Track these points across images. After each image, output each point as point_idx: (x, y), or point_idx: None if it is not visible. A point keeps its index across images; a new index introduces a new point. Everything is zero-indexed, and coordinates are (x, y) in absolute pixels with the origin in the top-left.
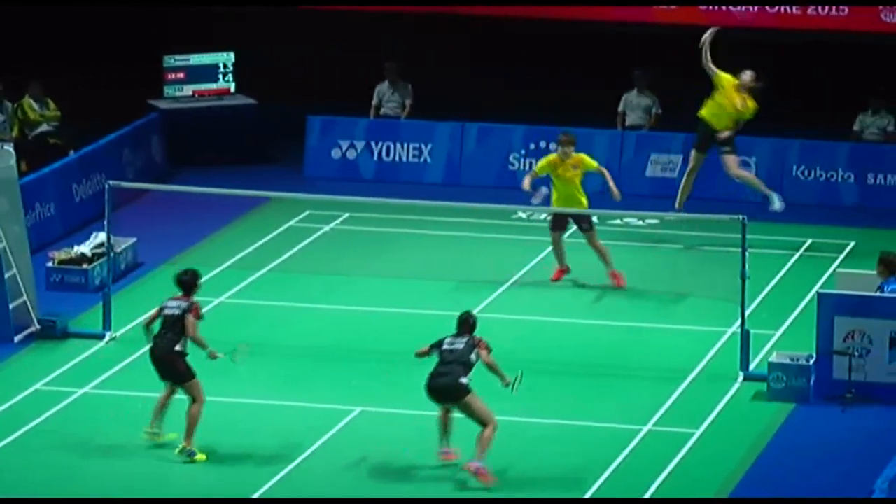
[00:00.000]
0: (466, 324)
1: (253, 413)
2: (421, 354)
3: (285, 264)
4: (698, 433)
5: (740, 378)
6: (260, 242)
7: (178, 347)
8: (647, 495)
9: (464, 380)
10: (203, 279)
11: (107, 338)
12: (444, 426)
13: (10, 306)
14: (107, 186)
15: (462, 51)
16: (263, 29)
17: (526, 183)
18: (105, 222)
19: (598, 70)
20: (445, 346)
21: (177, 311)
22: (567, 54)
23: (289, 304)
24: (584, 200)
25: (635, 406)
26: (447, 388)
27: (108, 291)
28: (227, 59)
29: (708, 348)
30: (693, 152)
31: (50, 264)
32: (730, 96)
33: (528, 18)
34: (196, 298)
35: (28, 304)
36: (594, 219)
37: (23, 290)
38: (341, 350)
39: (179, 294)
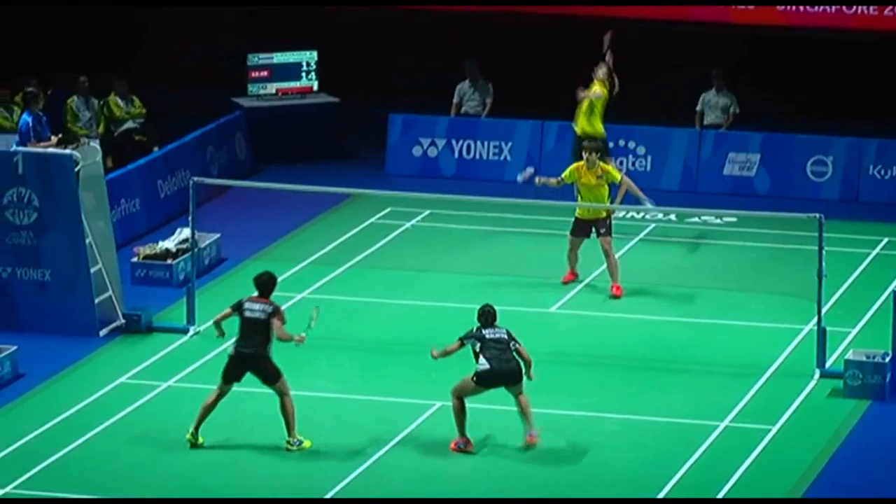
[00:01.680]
0: (494, 316)
1: (331, 407)
2: (448, 351)
3: (366, 260)
4: (774, 430)
5: (817, 375)
6: (341, 239)
7: (268, 350)
8: (721, 493)
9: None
10: (284, 275)
11: (191, 332)
12: (463, 414)
13: (96, 301)
14: (191, 183)
15: (542, 48)
16: (346, 27)
17: (538, 180)
18: (189, 218)
19: (676, 69)
20: (489, 336)
21: (261, 316)
22: (646, 52)
23: (369, 300)
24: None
25: (711, 402)
26: (517, 372)
27: (192, 286)
28: (310, 57)
29: (785, 345)
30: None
31: (135, 259)
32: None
33: (608, 17)
34: (273, 299)
35: (113, 298)
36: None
37: (108, 284)
38: (420, 345)
39: (256, 295)
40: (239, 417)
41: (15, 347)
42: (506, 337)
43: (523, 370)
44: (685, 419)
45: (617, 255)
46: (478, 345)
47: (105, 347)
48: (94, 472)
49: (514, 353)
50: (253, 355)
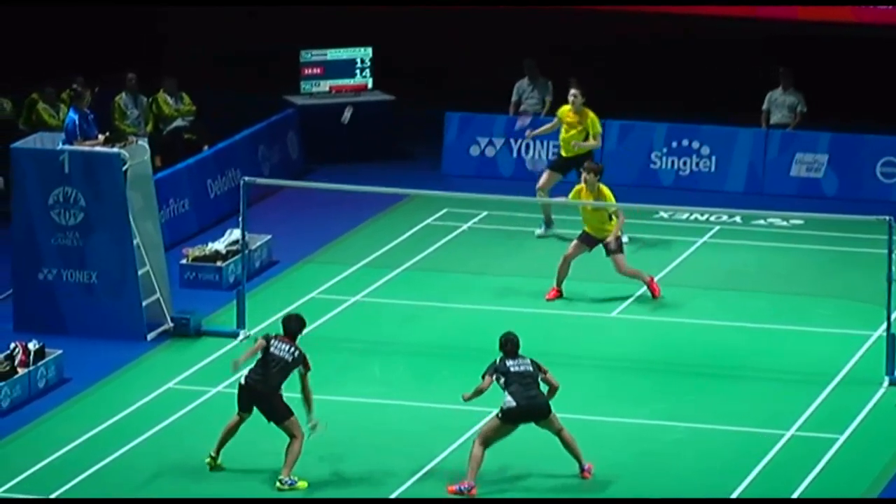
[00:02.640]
0: (517, 345)
1: (385, 414)
2: (481, 390)
3: (422, 262)
4: (842, 439)
5: (886, 383)
6: (396, 241)
7: (281, 389)
8: None
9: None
10: (337, 278)
11: (241, 336)
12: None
13: (144, 304)
14: (242, 182)
15: (604, 47)
16: (402, 23)
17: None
18: (240, 219)
19: (742, 67)
20: (514, 369)
21: (287, 357)
22: (711, 51)
23: (424, 304)
24: (610, 227)
25: (777, 410)
26: (545, 407)
27: (242, 289)
28: (364, 54)
29: (853, 352)
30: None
31: (184, 261)
32: (567, 118)
33: (671, 14)
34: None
35: (161, 301)
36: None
37: (156, 287)
38: (477, 350)
39: (283, 335)
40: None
41: (60, 352)
42: (531, 369)
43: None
44: (750, 427)
45: (681, 258)
46: (502, 379)
47: (153, 352)
48: (142, 480)
49: (541, 384)
50: (264, 393)
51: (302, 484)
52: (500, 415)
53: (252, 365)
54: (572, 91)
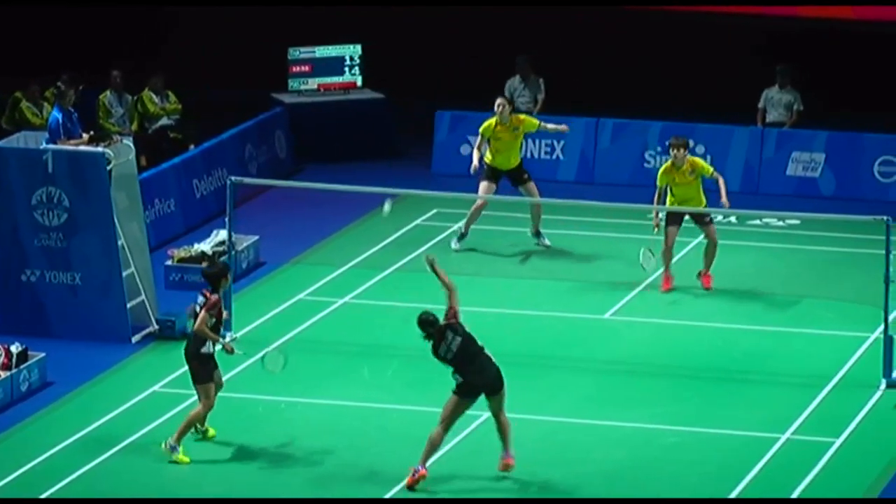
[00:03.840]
0: (430, 323)
1: (376, 417)
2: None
3: (412, 263)
4: (839, 442)
5: (883, 385)
6: (386, 241)
7: (203, 349)
8: None
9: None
10: (326, 279)
11: (227, 338)
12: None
13: (128, 306)
14: (229, 182)
15: (596, 45)
16: (392, 21)
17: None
18: (227, 219)
19: (738, 64)
20: (449, 357)
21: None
22: (706, 48)
23: (414, 305)
24: (701, 198)
25: (773, 414)
26: (500, 376)
27: (228, 291)
28: (353, 51)
29: (849, 354)
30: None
31: (169, 262)
32: (504, 134)
33: (668, 11)
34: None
35: (146, 303)
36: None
37: (141, 289)
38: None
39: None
40: (285, 429)
41: (43, 354)
42: (462, 341)
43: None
44: (746, 431)
45: (676, 258)
46: (451, 369)
47: (138, 354)
48: (127, 484)
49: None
50: (186, 352)
51: (183, 458)
52: (455, 391)
53: None
54: (498, 101)
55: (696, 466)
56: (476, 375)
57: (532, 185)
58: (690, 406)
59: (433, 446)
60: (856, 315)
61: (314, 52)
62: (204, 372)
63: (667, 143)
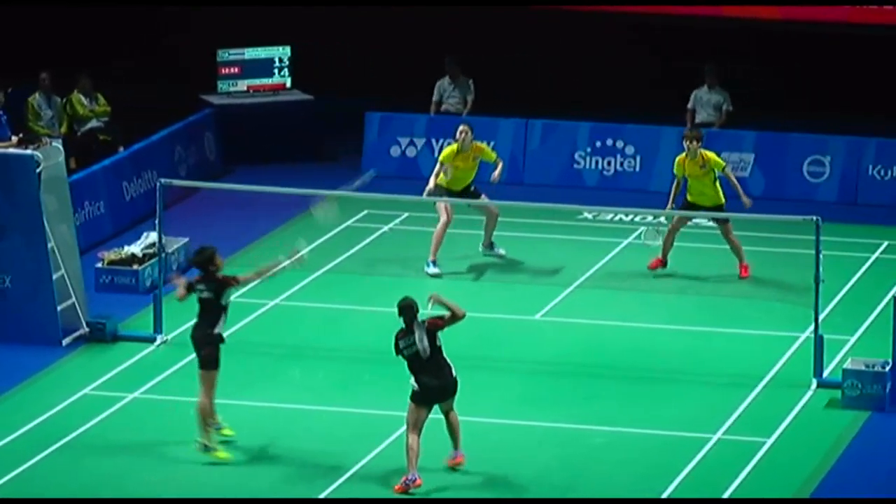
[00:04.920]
0: (410, 313)
1: (307, 419)
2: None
3: (342, 265)
4: (770, 442)
5: (814, 385)
6: (316, 243)
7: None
8: None
9: (454, 374)
10: (256, 281)
11: (158, 341)
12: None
13: (59, 308)
14: (158, 184)
15: (526, 45)
16: (320, 22)
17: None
18: (156, 221)
19: (667, 65)
20: (407, 352)
21: (209, 295)
22: (636, 48)
23: (345, 307)
24: (714, 193)
25: (703, 414)
26: (453, 385)
27: (159, 293)
28: (282, 53)
29: (780, 354)
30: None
31: (99, 265)
32: (463, 161)
33: (596, 11)
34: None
35: (77, 306)
36: None
37: (71, 291)
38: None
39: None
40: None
41: None
42: (426, 343)
43: (454, 376)
44: (676, 431)
45: (606, 259)
46: (405, 362)
47: (68, 357)
48: (57, 488)
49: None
50: (195, 338)
51: (221, 455)
52: (410, 397)
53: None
54: (461, 128)
55: (627, 466)
56: (428, 379)
57: (485, 198)
58: (620, 406)
59: (413, 453)
60: (786, 315)
61: (243, 53)
62: (215, 357)
63: (682, 136)
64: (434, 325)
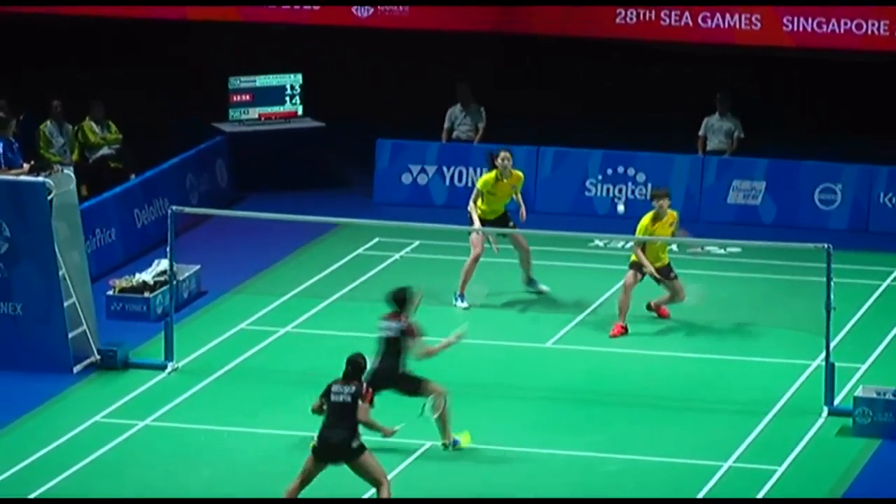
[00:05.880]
0: (357, 368)
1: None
2: (314, 410)
3: (353, 293)
4: (781, 470)
5: (825, 413)
6: (327, 270)
7: (356, 442)
8: None
9: (355, 443)
10: (267, 309)
11: (169, 368)
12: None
13: (70, 335)
14: (170, 212)
15: (538, 73)
16: (332, 49)
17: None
18: (168, 249)
19: (679, 93)
20: (333, 398)
21: (347, 399)
22: (648, 76)
23: (356, 334)
24: (665, 256)
25: (714, 441)
26: (339, 448)
27: (170, 321)
28: (294, 80)
29: (791, 381)
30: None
31: (110, 292)
32: (502, 188)
33: (608, 40)
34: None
35: (88, 333)
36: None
37: (82, 318)
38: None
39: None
40: (228, 458)
41: None
42: (349, 401)
43: (357, 446)
44: (688, 459)
45: (617, 287)
46: (325, 405)
47: (79, 385)
48: None
49: (351, 421)
50: (389, 377)
51: (466, 437)
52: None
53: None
54: (503, 154)
55: (638, 493)
56: (322, 435)
57: (518, 234)
58: (632, 434)
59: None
60: (798, 343)
61: (255, 81)
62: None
63: (650, 196)
64: (366, 397)
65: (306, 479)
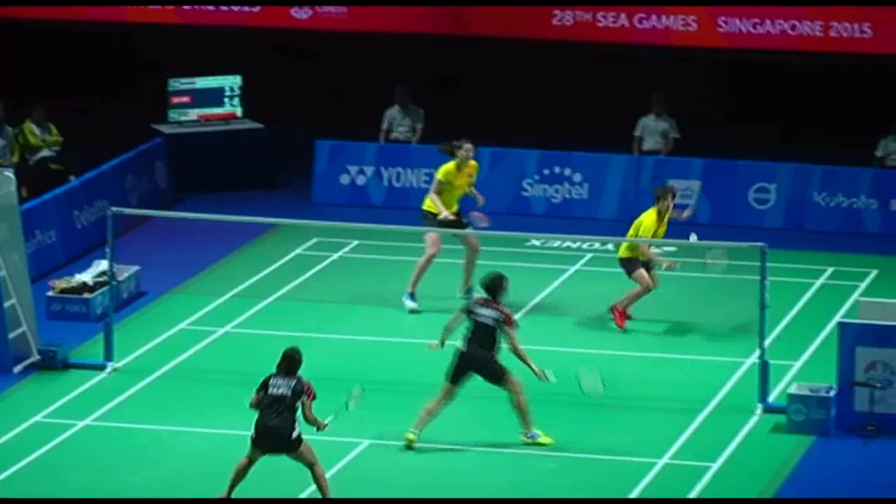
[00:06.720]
0: (293, 364)
1: None
2: (253, 405)
3: (292, 293)
4: (716, 467)
5: (759, 410)
6: (267, 270)
7: (295, 433)
8: None
9: (294, 434)
10: (206, 309)
11: (108, 368)
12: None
13: (10, 336)
14: (109, 213)
15: (476, 74)
16: (271, 51)
17: None
18: (107, 250)
19: (615, 93)
20: (271, 390)
21: (286, 392)
22: (583, 76)
23: (295, 334)
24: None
25: (650, 439)
26: (280, 437)
27: (109, 321)
28: (233, 82)
29: (726, 379)
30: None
31: (50, 293)
32: (461, 178)
33: (543, 40)
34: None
35: (28, 333)
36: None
37: (22, 319)
38: (349, 380)
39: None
40: (168, 458)
41: None
42: (288, 394)
43: (297, 438)
44: (624, 457)
45: (554, 286)
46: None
47: (19, 385)
48: None
49: (291, 414)
50: (480, 357)
51: (546, 440)
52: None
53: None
54: (467, 146)
55: (574, 491)
56: (261, 425)
57: (470, 229)
58: (567, 432)
59: (235, 474)
60: (732, 340)
61: (194, 82)
62: (502, 367)
63: (653, 193)
64: (310, 394)
65: (253, 460)
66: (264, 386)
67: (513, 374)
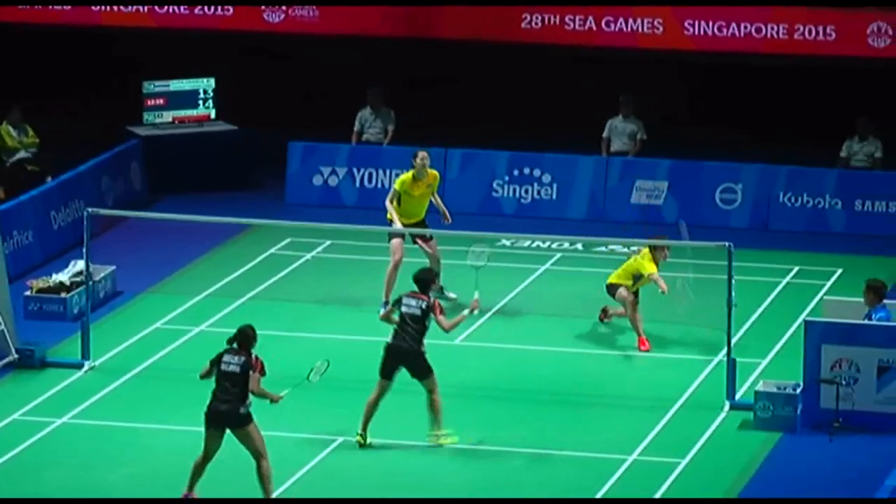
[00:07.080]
0: (247, 339)
1: (230, 444)
2: (202, 376)
3: (266, 292)
4: (684, 463)
5: (726, 407)
6: (240, 270)
7: (243, 409)
8: None
9: (243, 409)
10: (181, 308)
11: (85, 367)
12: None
13: None
14: (86, 214)
15: (447, 76)
16: (244, 53)
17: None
18: (84, 250)
19: (583, 95)
20: (223, 366)
21: (236, 369)
22: (552, 78)
23: (269, 333)
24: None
25: (619, 436)
26: (226, 413)
27: (86, 320)
28: (207, 84)
29: (694, 377)
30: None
31: (28, 293)
32: (418, 188)
33: (513, 42)
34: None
35: (5, 333)
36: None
37: (0, 319)
38: (322, 378)
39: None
40: (146, 456)
41: None
42: (237, 371)
43: (245, 415)
44: (593, 453)
45: (524, 285)
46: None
47: None
48: None
49: (240, 391)
50: (408, 351)
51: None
52: None
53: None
54: (421, 154)
55: (543, 487)
56: (213, 400)
57: (434, 243)
58: (537, 429)
59: (193, 471)
60: (700, 339)
61: (168, 85)
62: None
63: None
64: (257, 367)
65: (209, 452)
66: (217, 361)
67: (435, 374)
